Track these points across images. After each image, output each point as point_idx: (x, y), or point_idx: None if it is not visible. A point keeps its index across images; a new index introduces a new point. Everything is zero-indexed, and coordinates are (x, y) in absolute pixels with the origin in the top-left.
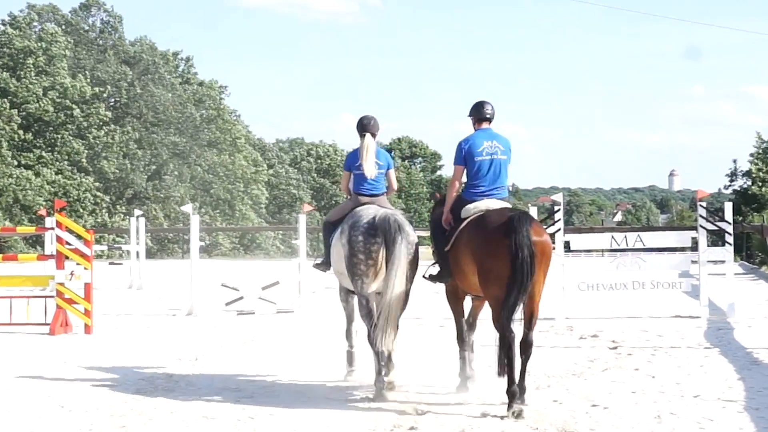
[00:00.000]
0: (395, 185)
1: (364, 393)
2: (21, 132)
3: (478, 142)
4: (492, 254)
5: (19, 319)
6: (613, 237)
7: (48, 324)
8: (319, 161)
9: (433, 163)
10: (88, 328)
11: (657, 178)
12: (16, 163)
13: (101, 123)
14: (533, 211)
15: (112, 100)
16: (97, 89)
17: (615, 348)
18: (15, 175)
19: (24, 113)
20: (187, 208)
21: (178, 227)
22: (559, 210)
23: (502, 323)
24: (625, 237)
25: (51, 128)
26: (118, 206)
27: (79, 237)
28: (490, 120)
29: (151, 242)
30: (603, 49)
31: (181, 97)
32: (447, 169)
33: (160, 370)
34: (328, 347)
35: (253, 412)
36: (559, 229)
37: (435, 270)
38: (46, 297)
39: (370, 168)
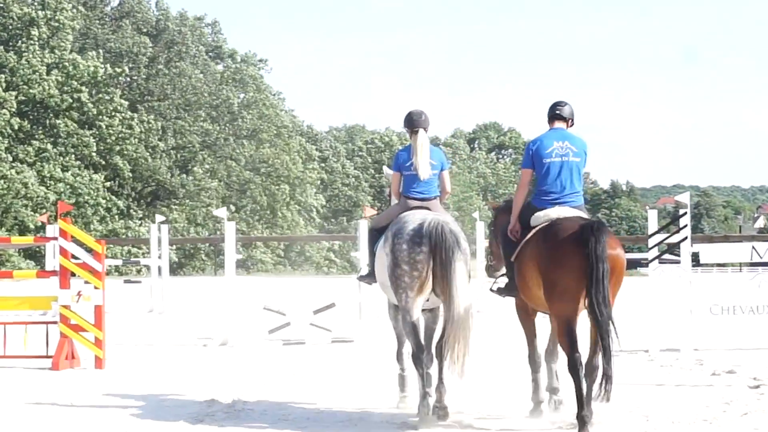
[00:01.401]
0: (449, 188)
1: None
2: (17, 119)
3: (547, 142)
4: (560, 266)
5: (14, 351)
6: (754, 248)
7: (50, 356)
8: (382, 154)
9: None
10: (99, 362)
11: None
12: (11, 157)
13: (115, 110)
14: (652, 215)
15: (129, 79)
16: (111, 69)
17: (757, 387)
18: (8, 175)
19: (22, 96)
20: (221, 212)
21: (210, 237)
22: (685, 214)
23: (569, 342)
24: None
25: (52, 115)
26: (135, 209)
27: (87, 249)
28: (565, 119)
29: (175, 255)
30: (747, 8)
31: (214, 75)
32: None
33: (189, 414)
34: (392, 380)
35: None
36: (686, 238)
37: (503, 282)
38: (47, 323)
39: (424, 168)
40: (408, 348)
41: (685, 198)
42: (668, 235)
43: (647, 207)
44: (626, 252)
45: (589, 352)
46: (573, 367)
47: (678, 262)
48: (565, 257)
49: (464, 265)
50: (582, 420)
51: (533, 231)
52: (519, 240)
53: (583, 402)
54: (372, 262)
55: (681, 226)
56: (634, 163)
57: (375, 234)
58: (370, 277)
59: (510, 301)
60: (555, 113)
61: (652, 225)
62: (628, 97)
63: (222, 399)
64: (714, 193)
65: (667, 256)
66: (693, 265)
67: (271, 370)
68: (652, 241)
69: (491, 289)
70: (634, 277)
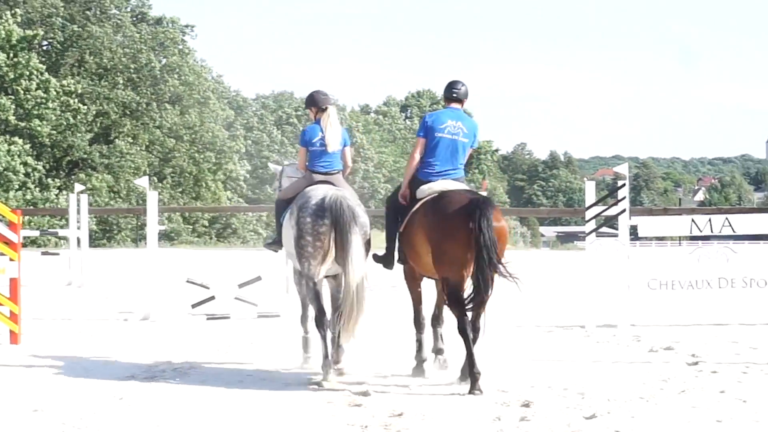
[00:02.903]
0: (350, 163)
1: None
2: None
3: (442, 118)
4: (450, 237)
5: None
6: (693, 221)
7: None
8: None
9: None
10: (14, 337)
11: (751, 145)
12: None
13: (32, 73)
14: (590, 187)
15: (45, 43)
16: (27, 31)
17: (695, 364)
18: None
19: None
20: (143, 181)
21: (132, 208)
22: (623, 185)
23: (458, 307)
24: (710, 221)
25: None
26: (53, 178)
27: (2, 219)
28: (460, 101)
29: (95, 226)
30: None
31: (133, 38)
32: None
33: (108, 390)
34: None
35: None
36: (624, 210)
37: (381, 253)
38: None
39: (334, 142)
40: (311, 312)
41: (623, 169)
42: (606, 207)
43: (585, 178)
44: (564, 225)
45: (472, 314)
46: (462, 329)
47: (616, 235)
48: (455, 229)
49: (360, 238)
50: (474, 376)
51: (420, 203)
52: (406, 210)
53: (474, 360)
54: (279, 231)
55: (619, 198)
56: (572, 133)
57: (282, 205)
58: (277, 244)
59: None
60: (452, 95)
61: (590, 197)
62: (567, 66)
63: (142, 372)
64: (654, 165)
65: (604, 229)
66: (631, 239)
67: (194, 344)
68: (589, 214)
69: (373, 256)
70: (571, 250)
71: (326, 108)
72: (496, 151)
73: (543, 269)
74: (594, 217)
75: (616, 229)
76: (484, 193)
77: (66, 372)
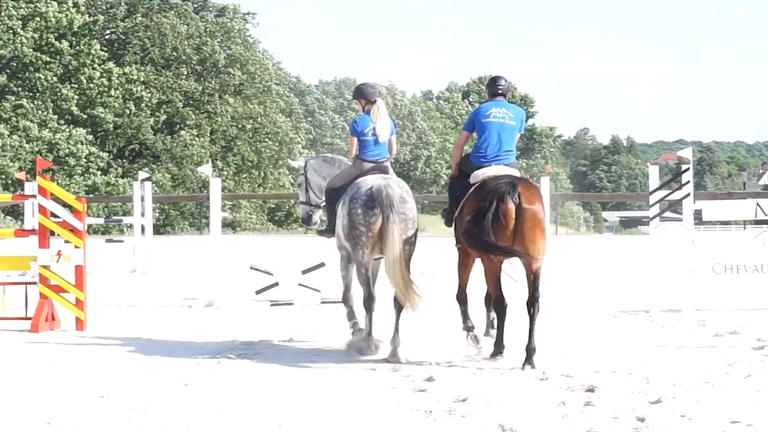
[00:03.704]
0: (395, 151)
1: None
2: None
3: (488, 107)
4: (486, 218)
5: None
6: (758, 204)
7: (29, 318)
8: None
9: (524, 110)
10: (80, 323)
11: None
12: None
13: (93, 61)
14: (653, 171)
15: (107, 32)
16: (89, 17)
17: (761, 348)
18: None
19: None
20: (206, 168)
21: (194, 194)
22: (687, 170)
23: (495, 283)
24: None
25: (30, 68)
26: (116, 167)
27: (68, 207)
28: (503, 95)
29: (159, 213)
30: None
31: (198, 29)
32: (541, 118)
33: (173, 376)
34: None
35: (291, 429)
36: (688, 195)
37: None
38: (26, 284)
39: (384, 133)
40: (354, 291)
41: (687, 153)
42: (670, 192)
43: (648, 163)
44: (626, 210)
45: (528, 291)
46: (500, 306)
47: (680, 219)
48: (490, 210)
49: (398, 227)
50: (498, 348)
51: (473, 187)
52: (461, 196)
53: (502, 336)
54: (332, 219)
55: (683, 182)
56: (635, 118)
57: (332, 193)
58: (330, 232)
59: None
60: (497, 90)
61: (654, 182)
62: (630, 50)
63: (207, 358)
64: (717, 149)
65: (668, 213)
66: (695, 223)
67: (258, 330)
68: (653, 198)
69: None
70: (635, 235)
71: (375, 100)
72: (559, 136)
73: (607, 254)
74: (658, 202)
75: (681, 213)
76: (530, 178)
77: (131, 358)
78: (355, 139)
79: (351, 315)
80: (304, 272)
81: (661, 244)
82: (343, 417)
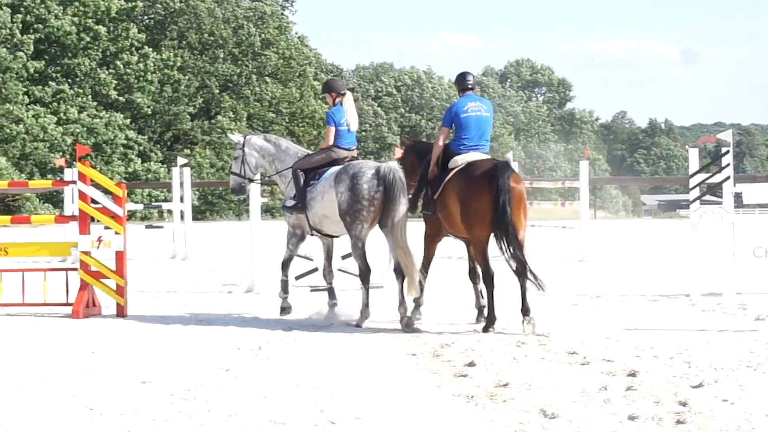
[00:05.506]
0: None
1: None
2: (33, 62)
3: (464, 102)
4: (476, 196)
5: (34, 299)
6: None
7: (70, 304)
8: (411, 92)
9: (561, 94)
10: (121, 310)
11: None
12: (27, 100)
13: (132, 46)
14: (693, 154)
15: (145, 17)
16: (126, 3)
17: None
18: (27, 119)
19: (39, 35)
20: (236, 136)
21: (259, 179)
22: (727, 152)
23: (484, 257)
24: None
25: (69, 54)
26: (155, 152)
27: (107, 193)
28: (472, 88)
29: (197, 200)
30: None
31: (235, 13)
32: (579, 101)
33: (214, 362)
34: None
35: (333, 414)
36: (728, 178)
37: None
38: (67, 270)
39: (354, 123)
40: (288, 260)
41: (726, 136)
42: (709, 175)
43: (687, 146)
44: (665, 193)
45: (515, 258)
46: (488, 278)
47: (720, 203)
48: (479, 189)
49: (405, 208)
50: (491, 319)
51: (453, 171)
52: (439, 178)
53: (493, 305)
54: (302, 197)
55: (723, 165)
56: (672, 100)
57: (301, 175)
58: (300, 209)
59: None
60: (467, 85)
61: (693, 165)
62: (666, 32)
63: (248, 344)
64: (757, 132)
65: (708, 197)
66: (735, 206)
67: (298, 315)
68: (693, 182)
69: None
70: (674, 219)
71: (344, 93)
72: (596, 120)
73: (646, 238)
74: (698, 185)
75: (720, 196)
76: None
77: (172, 344)
78: (333, 128)
79: (285, 287)
80: (344, 257)
81: (701, 227)
82: (384, 402)
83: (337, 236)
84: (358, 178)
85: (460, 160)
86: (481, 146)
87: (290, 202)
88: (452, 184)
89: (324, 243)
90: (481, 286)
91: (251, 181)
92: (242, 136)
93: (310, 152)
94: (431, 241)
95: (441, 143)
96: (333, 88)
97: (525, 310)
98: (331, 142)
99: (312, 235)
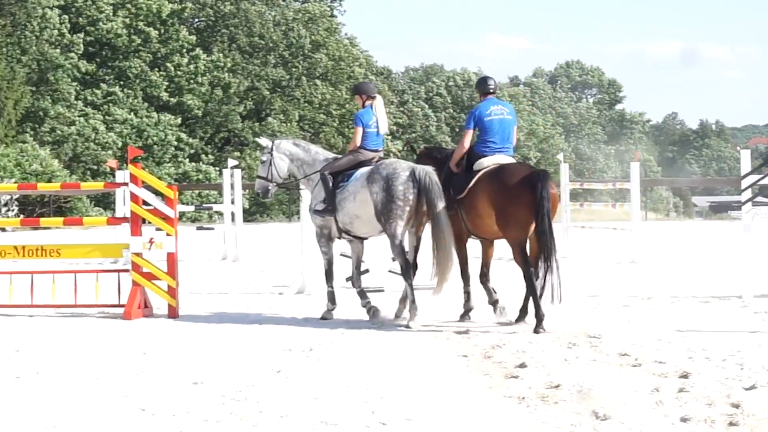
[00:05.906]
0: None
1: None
2: (84, 62)
3: (487, 106)
4: (515, 203)
5: (86, 300)
6: None
7: (122, 305)
8: (462, 93)
9: (611, 95)
10: (172, 311)
11: None
12: (80, 103)
13: (182, 47)
14: (745, 156)
15: (196, 20)
16: (177, 5)
17: None
18: (79, 120)
19: (89, 38)
20: (263, 140)
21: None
22: None
23: (523, 260)
24: None
25: (120, 56)
26: (206, 154)
27: (159, 194)
28: (494, 92)
29: (247, 202)
30: None
31: (285, 16)
32: (629, 102)
33: (265, 363)
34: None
35: (384, 416)
36: None
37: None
38: (119, 271)
39: (383, 125)
40: (329, 269)
41: None
42: (762, 176)
43: (739, 147)
44: (716, 195)
45: (541, 263)
46: (528, 278)
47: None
48: (521, 196)
49: (445, 208)
50: (539, 318)
51: (481, 173)
52: (464, 179)
53: (539, 304)
54: (332, 199)
55: None
56: (724, 101)
57: (328, 177)
58: (330, 211)
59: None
60: (488, 89)
61: (745, 166)
62: (717, 32)
63: (299, 345)
64: None
65: (760, 198)
66: None
67: (349, 316)
68: (744, 183)
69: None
70: (725, 220)
71: (375, 96)
72: (648, 121)
73: (697, 239)
74: (749, 186)
75: None
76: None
77: (223, 345)
78: (360, 129)
79: (332, 298)
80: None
81: (753, 228)
82: (436, 404)
83: (366, 238)
84: (393, 179)
85: (486, 162)
86: (506, 149)
87: (320, 206)
88: (482, 187)
89: (354, 250)
90: (491, 285)
91: (278, 185)
92: (270, 140)
93: (339, 156)
94: (459, 246)
95: (466, 144)
96: (363, 91)
97: (541, 316)
98: (358, 143)
99: (340, 237)
